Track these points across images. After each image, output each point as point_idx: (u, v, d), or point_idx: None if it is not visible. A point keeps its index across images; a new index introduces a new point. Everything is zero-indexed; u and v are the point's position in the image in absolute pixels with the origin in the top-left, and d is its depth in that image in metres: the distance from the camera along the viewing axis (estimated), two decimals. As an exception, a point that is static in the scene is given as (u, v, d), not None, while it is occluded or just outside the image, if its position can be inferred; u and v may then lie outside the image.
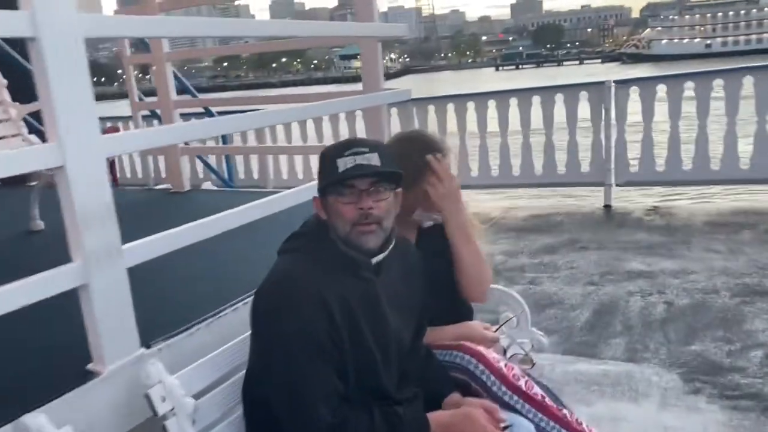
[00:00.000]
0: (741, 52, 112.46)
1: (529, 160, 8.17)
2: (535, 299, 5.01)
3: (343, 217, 1.77)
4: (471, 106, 8.44)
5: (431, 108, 8.71)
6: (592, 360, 4.02)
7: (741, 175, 7.15)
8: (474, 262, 2.35)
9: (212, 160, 8.98)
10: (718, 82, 7.19)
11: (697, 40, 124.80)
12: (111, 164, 6.19)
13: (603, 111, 7.59)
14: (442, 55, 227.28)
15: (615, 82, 7.58)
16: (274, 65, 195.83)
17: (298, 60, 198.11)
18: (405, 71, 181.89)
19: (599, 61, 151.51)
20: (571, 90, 7.90)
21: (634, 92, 7.55)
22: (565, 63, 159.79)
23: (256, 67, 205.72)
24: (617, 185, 7.71)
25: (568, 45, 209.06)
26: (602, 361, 4.00)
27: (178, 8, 5.15)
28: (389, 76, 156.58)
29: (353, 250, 1.80)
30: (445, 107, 8.67)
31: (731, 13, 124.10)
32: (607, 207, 7.63)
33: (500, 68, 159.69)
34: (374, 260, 1.83)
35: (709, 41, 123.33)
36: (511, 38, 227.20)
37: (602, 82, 7.64)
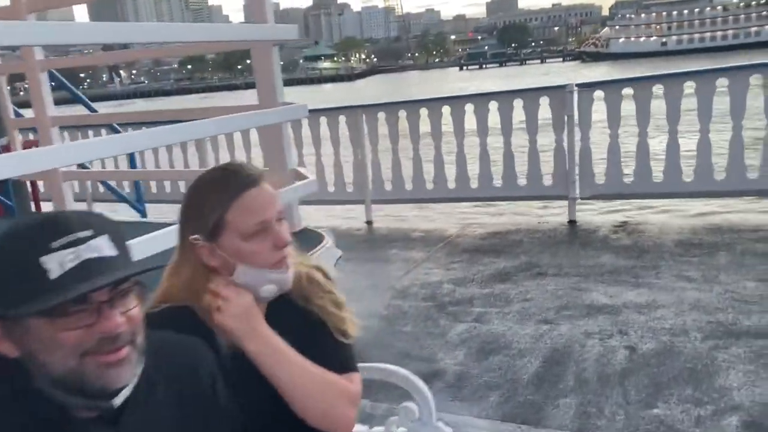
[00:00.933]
0: (696, 49, 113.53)
1: (487, 173, 7.30)
2: (479, 342, 4.22)
3: (64, 347, 1.05)
4: (424, 113, 7.55)
5: (381, 115, 7.81)
6: (534, 429, 3.22)
7: (716, 187, 6.34)
8: (304, 386, 1.50)
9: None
10: (689, 84, 6.39)
11: (653, 38, 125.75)
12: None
13: (565, 118, 6.75)
14: (409, 55, 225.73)
15: (578, 86, 6.75)
16: (239, 66, 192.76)
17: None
18: (372, 71, 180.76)
19: (561, 59, 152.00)
20: (530, 95, 7.04)
21: (598, 97, 6.71)
22: (527, 62, 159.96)
23: (223, 69, 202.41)
24: (582, 199, 6.89)
25: (533, 44, 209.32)
26: (547, 431, 3.20)
27: (53, 7, 4.16)
28: (355, 76, 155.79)
29: (82, 395, 1.09)
30: (396, 114, 7.77)
31: (686, 11, 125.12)
32: (572, 222, 6.80)
33: (464, 68, 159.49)
34: (116, 401, 1.13)
35: (664, 39, 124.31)
36: (480, 37, 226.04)
37: (563, 87, 6.79)
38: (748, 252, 5.40)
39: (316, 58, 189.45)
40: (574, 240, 6.34)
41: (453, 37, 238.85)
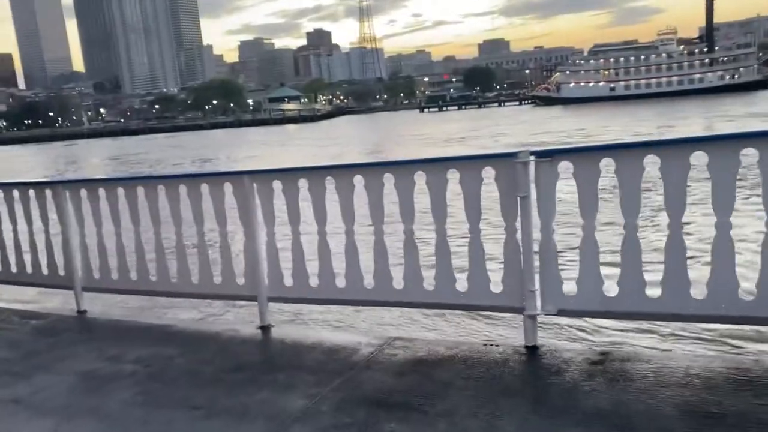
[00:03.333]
0: (642, 95, 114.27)
1: (414, 271, 5.04)
2: None
3: None
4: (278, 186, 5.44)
5: (277, 185, 5.56)
6: None
7: (738, 311, 4.14)
8: None
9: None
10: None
11: (602, 83, 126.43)
12: None
13: (518, 200, 4.55)
14: (378, 96, 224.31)
15: (535, 154, 4.56)
16: (207, 107, 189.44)
17: (231, 103, 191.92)
18: (338, 112, 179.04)
19: (518, 103, 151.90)
20: (469, 165, 4.82)
21: (565, 170, 4.53)
22: (486, 105, 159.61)
23: (192, 108, 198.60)
24: (545, 313, 4.65)
25: (497, 87, 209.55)
26: None
27: None
28: (318, 117, 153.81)
29: None
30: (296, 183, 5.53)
31: (632, 58, 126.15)
32: (532, 349, 4.55)
33: (425, 110, 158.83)
34: None
35: (613, 85, 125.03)
36: (455, 79, 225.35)
37: (513, 155, 4.60)
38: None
39: (280, 99, 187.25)
40: (528, 388, 4.08)
41: (426, 79, 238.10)
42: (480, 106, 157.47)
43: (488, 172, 4.75)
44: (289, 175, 5.52)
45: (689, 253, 4.21)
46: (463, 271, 4.89)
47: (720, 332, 4.87)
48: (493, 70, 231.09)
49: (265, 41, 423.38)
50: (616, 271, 4.38)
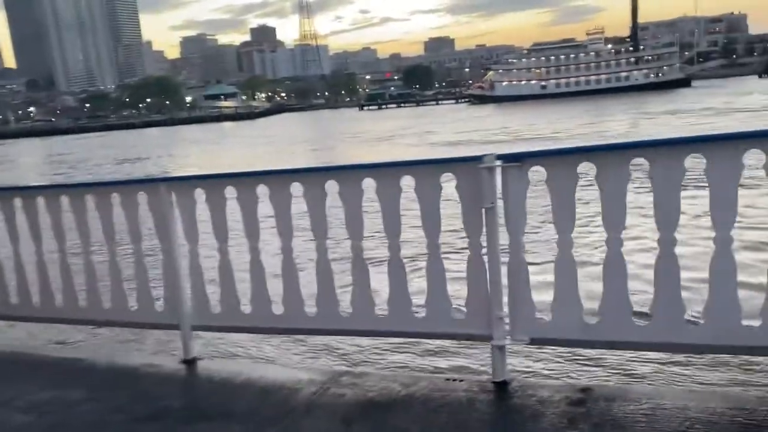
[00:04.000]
0: (572, 93, 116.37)
1: (330, 293, 4.31)
2: None
3: None
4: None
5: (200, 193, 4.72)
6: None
7: (743, 341, 3.55)
8: None
9: None
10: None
11: (533, 81, 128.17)
12: None
13: (483, 213, 3.86)
14: (318, 94, 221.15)
15: (502, 158, 3.87)
16: (141, 105, 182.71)
17: (168, 101, 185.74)
18: (277, 110, 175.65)
19: (455, 101, 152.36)
20: (430, 171, 4.11)
21: (537, 178, 3.86)
22: (423, 103, 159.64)
23: (127, 107, 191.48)
24: (515, 342, 3.97)
25: (437, 85, 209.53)
26: None
27: None
28: (256, 115, 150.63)
29: None
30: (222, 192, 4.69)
31: (562, 57, 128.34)
32: (501, 386, 3.86)
33: (364, 108, 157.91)
34: None
35: (544, 83, 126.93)
36: (397, 77, 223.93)
37: (477, 159, 3.90)
38: None
39: (216, 96, 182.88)
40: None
41: (368, 77, 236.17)
42: (418, 104, 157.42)
43: (448, 180, 4.06)
44: (214, 182, 4.69)
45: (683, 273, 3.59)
46: (421, 293, 4.18)
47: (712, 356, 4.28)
48: (432, 68, 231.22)
49: (208, 37, 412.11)
50: (599, 290, 3.74)
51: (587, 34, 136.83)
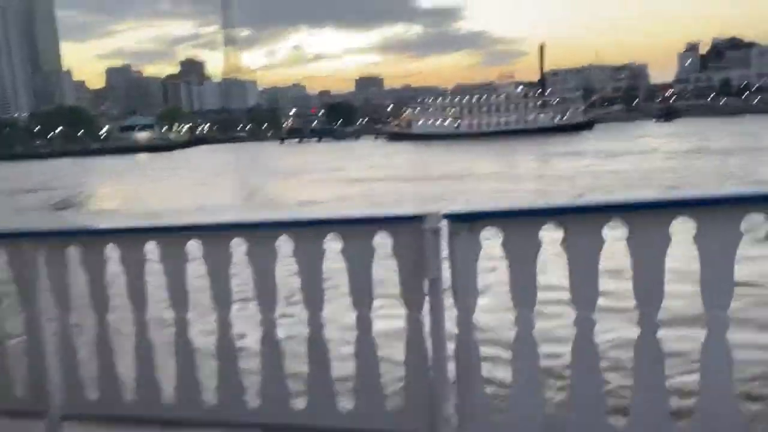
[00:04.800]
0: (483, 133, 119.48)
1: (278, 384, 3.52)
2: None
3: None
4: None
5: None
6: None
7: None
8: None
9: None
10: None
11: (448, 121, 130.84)
12: None
13: (426, 284, 3.20)
14: (239, 127, 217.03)
15: (448, 218, 3.28)
16: (50, 135, 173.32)
17: (82, 130, 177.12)
18: (197, 142, 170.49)
19: (373, 137, 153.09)
20: (360, 231, 3.46)
21: (491, 238, 3.25)
22: (344, 139, 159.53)
23: (38, 136, 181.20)
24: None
25: (359, 122, 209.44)
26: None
27: None
28: (173, 147, 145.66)
29: None
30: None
31: (475, 98, 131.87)
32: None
33: (284, 142, 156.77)
34: None
35: (458, 123, 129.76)
36: (321, 113, 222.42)
37: (417, 218, 3.30)
38: None
39: (131, 128, 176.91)
40: None
41: (293, 111, 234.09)
42: (338, 140, 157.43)
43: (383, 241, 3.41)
44: (90, 239, 3.83)
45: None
46: (347, 380, 3.43)
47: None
48: (355, 105, 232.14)
49: (133, 68, 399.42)
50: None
51: (499, 77, 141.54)
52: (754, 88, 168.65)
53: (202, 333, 3.84)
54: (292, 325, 3.97)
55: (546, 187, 34.15)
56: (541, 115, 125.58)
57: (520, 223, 3.22)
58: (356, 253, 3.42)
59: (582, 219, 3.11)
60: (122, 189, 51.08)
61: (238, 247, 3.58)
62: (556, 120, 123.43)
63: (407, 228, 3.30)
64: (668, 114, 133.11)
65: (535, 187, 34.76)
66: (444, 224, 3.24)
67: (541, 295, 3.18)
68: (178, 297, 3.63)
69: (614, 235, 3.08)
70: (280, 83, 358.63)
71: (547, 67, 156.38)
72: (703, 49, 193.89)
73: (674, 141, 68.12)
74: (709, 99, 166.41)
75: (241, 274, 3.59)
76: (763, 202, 2.93)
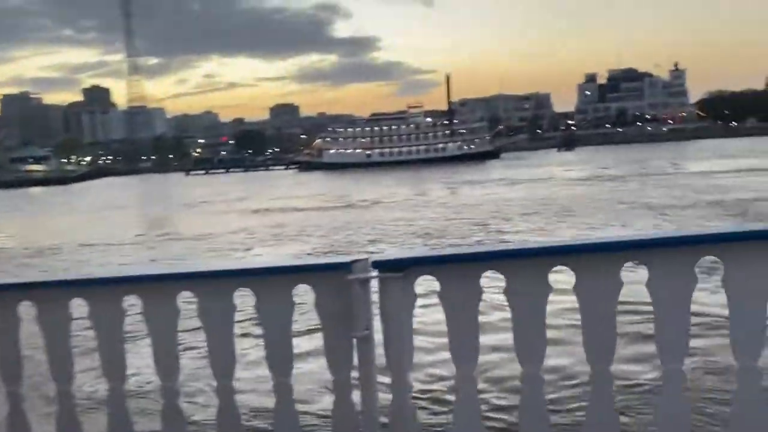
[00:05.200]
0: (394, 162, 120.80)
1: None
2: None
3: None
4: None
5: None
6: None
7: None
8: None
9: None
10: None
11: (359, 150, 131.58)
12: None
13: (353, 344, 2.91)
14: (144, 158, 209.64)
15: (378, 266, 2.90)
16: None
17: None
18: (98, 174, 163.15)
19: (284, 167, 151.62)
20: (275, 282, 3.02)
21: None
22: (254, 169, 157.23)
23: None
24: None
25: (270, 150, 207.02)
26: None
27: None
28: (72, 179, 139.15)
29: None
30: None
31: (385, 128, 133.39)
32: None
33: (191, 173, 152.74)
34: None
35: (369, 152, 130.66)
36: (232, 141, 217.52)
37: (342, 266, 2.93)
38: None
39: (24, 159, 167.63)
40: None
41: (202, 141, 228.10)
42: (247, 170, 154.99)
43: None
44: None
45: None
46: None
47: None
48: (266, 134, 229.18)
49: (32, 96, 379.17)
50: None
51: (408, 107, 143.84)
52: (646, 117, 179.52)
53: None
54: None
55: (450, 215, 34.37)
56: (450, 144, 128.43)
57: (458, 270, 2.85)
58: (272, 310, 2.95)
59: (525, 264, 2.77)
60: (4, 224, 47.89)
61: (129, 305, 3.10)
62: (465, 149, 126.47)
63: (331, 279, 2.87)
64: (569, 143, 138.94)
65: (438, 215, 34.92)
66: (373, 273, 2.86)
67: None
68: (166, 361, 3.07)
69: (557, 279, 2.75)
70: (192, 111, 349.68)
71: (456, 97, 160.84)
72: (602, 80, 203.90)
73: (573, 169, 70.87)
74: (607, 127, 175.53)
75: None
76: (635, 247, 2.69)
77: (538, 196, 42.15)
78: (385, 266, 2.85)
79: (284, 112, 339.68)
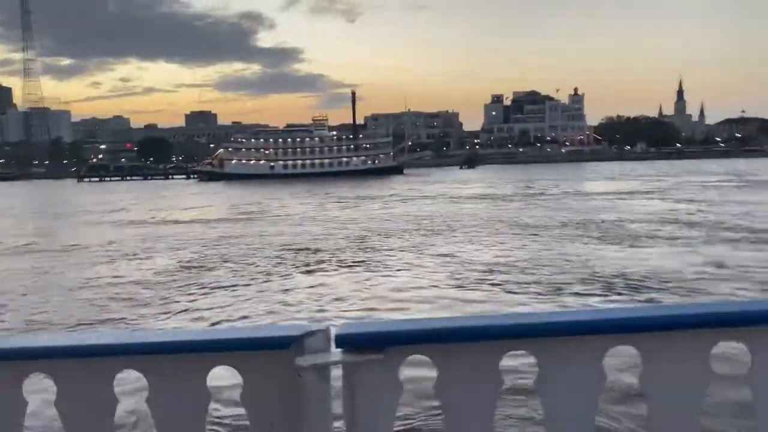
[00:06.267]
0: (297, 174, 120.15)
1: None
2: None
3: None
4: None
5: None
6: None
7: None
8: None
9: None
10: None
11: (262, 162, 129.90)
12: None
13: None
14: (37, 162, 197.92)
15: (344, 343, 2.01)
16: None
17: None
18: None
19: (185, 176, 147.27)
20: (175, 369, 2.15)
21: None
22: (153, 177, 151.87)
23: None
24: None
25: (174, 159, 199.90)
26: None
27: None
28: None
29: None
30: None
31: (289, 140, 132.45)
32: None
33: (84, 179, 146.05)
34: None
35: (272, 164, 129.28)
36: (136, 148, 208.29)
37: (287, 342, 1.94)
38: None
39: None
40: None
41: (103, 146, 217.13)
42: (146, 178, 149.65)
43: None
44: None
45: None
46: None
47: None
48: (168, 141, 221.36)
49: None
50: None
51: (313, 120, 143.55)
52: (546, 139, 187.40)
53: None
54: None
55: (332, 230, 34.30)
56: (354, 159, 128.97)
57: (467, 349, 2.00)
58: (172, 403, 2.06)
59: (569, 344, 2.02)
60: None
61: None
62: (369, 164, 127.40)
63: (269, 360, 1.95)
64: (471, 161, 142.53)
65: (320, 230, 34.80)
66: (337, 357, 1.94)
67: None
68: None
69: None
70: (102, 115, 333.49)
71: (371, 111, 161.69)
72: (507, 101, 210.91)
73: (469, 187, 72.75)
74: (509, 147, 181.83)
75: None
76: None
77: (424, 213, 42.90)
78: (354, 343, 1.94)
79: (200, 119, 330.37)
